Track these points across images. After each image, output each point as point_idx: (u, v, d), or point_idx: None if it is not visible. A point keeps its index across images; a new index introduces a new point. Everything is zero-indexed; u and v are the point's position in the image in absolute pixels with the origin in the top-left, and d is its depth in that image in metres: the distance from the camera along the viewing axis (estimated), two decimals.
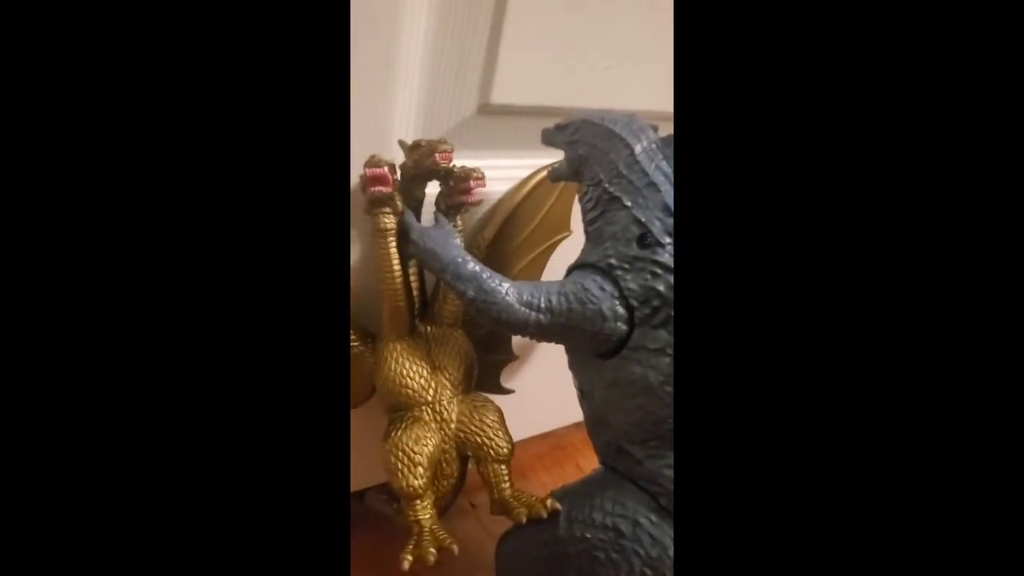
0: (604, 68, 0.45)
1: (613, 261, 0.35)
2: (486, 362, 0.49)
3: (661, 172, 0.35)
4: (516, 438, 0.74)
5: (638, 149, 0.36)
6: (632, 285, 0.34)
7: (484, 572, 0.55)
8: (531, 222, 0.47)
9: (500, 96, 0.42)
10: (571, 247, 0.45)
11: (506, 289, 0.35)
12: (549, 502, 0.38)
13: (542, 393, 0.67)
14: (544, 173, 0.46)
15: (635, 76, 0.48)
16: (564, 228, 0.49)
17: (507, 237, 0.46)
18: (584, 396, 0.41)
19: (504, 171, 0.46)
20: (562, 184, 0.47)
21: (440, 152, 0.35)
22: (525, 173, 0.46)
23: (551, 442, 0.73)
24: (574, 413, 0.65)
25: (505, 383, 0.55)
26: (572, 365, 0.41)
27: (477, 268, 0.36)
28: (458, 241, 0.37)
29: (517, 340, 0.56)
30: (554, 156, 0.42)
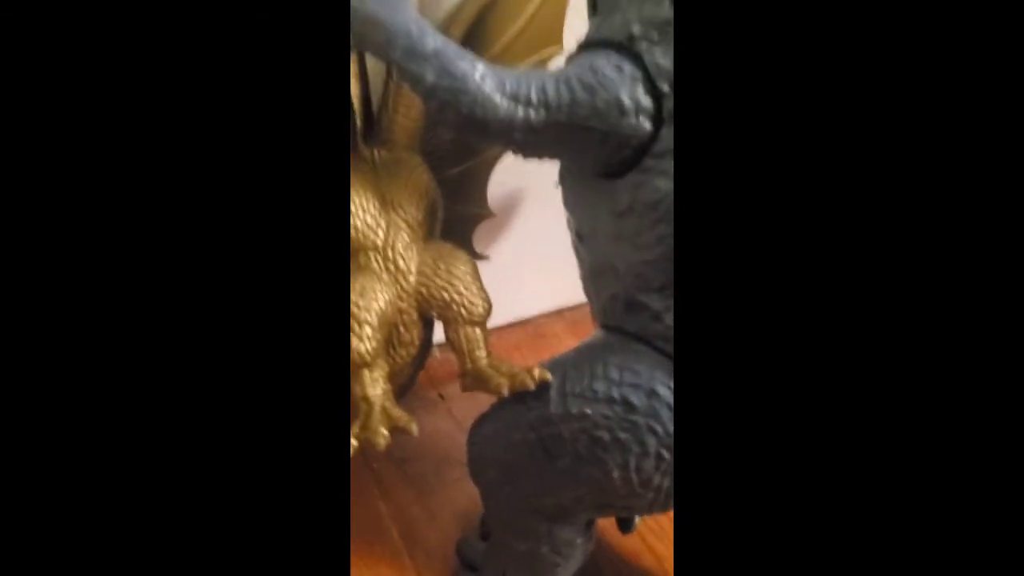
0: None
1: (635, 30, 0.25)
2: (454, 216, 0.39)
3: None
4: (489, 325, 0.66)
5: None
6: (662, 61, 0.24)
7: (457, 468, 0.48)
8: (510, 25, 0.36)
9: None
10: None
11: (481, 72, 0.25)
12: (537, 371, 0.29)
13: (521, 274, 0.58)
14: None
15: None
16: (555, 40, 0.38)
17: (479, 41, 0.35)
18: (584, 241, 0.31)
19: None
20: None
21: None
22: None
23: (530, 330, 0.66)
24: (555, 298, 0.55)
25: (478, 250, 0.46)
26: (569, 198, 0.31)
27: (440, 42, 0.25)
28: (412, 7, 0.26)
29: (497, 198, 0.46)
30: None
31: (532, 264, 0.57)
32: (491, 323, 0.66)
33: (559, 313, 0.68)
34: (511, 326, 0.66)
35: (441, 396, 0.55)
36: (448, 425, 0.52)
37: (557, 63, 0.36)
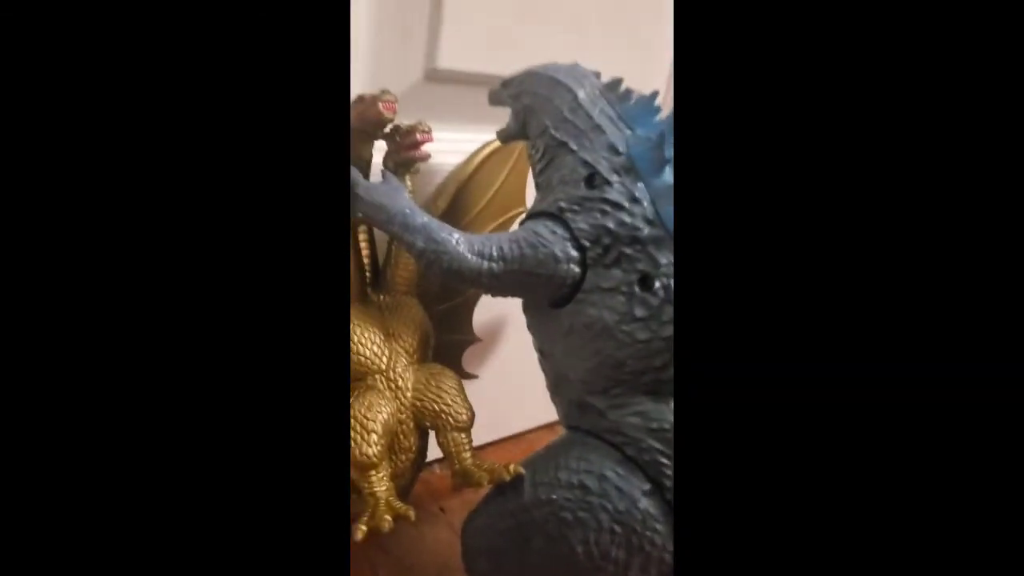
0: (552, 35, 0.46)
1: (563, 204, 0.35)
2: (445, 343, 0.47)
3: (605, 115, 0.35)
4: (485, 440, 0.71)
5: (581, 94, 0.36)
6: (582, 225, 0.34)
7: (457, 574, 0.52)
8: (484, 196, 0.47)
9: (447, 60, 0.42)
10: None
11: (456, 238, 0.34)
12: (512, 466, 0.36)
13: (512, 392, 0.65)
14: (494, 145, 0.46)
15: (584, 44, 0.49)
16: (519, 204, 0.49)
17: (459, 210, 0.46)
18: (544, 357, 0.39)
19: (455, 144, 0.46)
20: (515, 158, 0.47)
21: (384, 102, 0.35)
22: (476, 146, 0.46)
23: (524, 445, 0.71)
24: (547, 414, 0.62)
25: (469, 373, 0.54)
26: (530, 325, 0.39)
27: (426, 219, 0.35)
28: (407, 195, 0.36)
29: (481, 325, 0.54)
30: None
31: (522, 383, 0.63)
32: (488, 439, 0.72)
33: (550, 427, 0.74)
34: (506, 441, 0.71)
35: (442, 509, 0.60)
36: (448, 535, 0.56)
37: None
